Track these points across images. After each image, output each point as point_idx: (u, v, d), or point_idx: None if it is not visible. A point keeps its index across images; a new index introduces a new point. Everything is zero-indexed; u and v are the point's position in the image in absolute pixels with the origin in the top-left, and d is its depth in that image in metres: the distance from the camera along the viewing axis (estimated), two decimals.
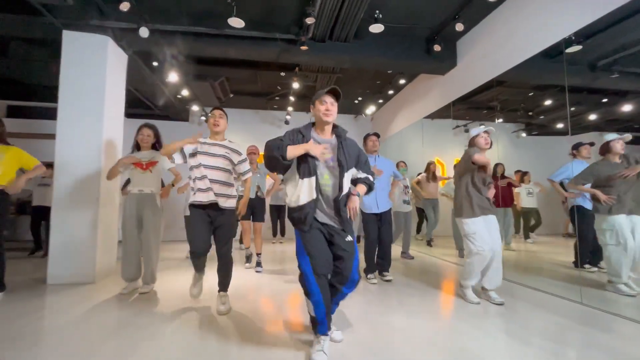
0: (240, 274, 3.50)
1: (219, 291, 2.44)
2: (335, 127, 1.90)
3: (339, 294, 1.83)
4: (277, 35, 3.74)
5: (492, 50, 3.80)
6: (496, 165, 4.74)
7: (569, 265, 3.40)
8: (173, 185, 3.03)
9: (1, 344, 1.79)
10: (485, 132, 2.73)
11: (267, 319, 2.25)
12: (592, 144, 3.27)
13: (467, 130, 5.29)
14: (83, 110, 3.33)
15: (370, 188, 1.95)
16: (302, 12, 3.48)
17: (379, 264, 3.39)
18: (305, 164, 1.76)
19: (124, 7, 2.99)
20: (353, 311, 2.37)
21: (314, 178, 1.76)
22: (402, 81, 5.39)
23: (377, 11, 3.56)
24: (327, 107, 1.80)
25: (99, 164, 3.32)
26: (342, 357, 1.70)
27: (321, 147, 1.75)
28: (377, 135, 3.51)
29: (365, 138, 3.52)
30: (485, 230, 2.58)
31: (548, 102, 4.88)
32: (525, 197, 4.64)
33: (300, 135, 1.82)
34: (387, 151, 6.99)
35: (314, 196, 1.75)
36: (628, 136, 2.87)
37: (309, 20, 3.17)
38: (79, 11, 3.19)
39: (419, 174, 5.40)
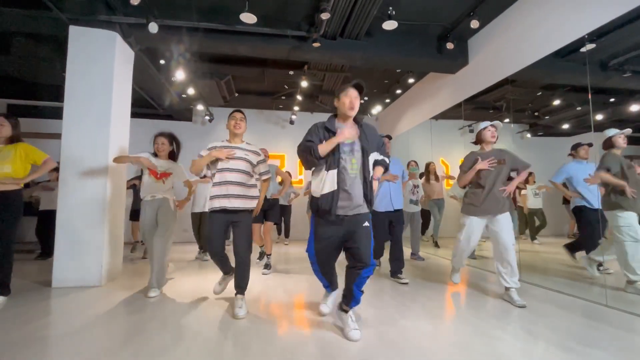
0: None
1: (236, 294, 2.35)
2: (356, 117, 2.06)
3: (359, 278, 1.90)
4: (289, 32, 3.66)
5: (505, 49, 3.75)
6: None
7: (580, 266, 3.33)
8: (188, 199, 3.25)
9: (6, 351, 1.69)
10: (492, 125, 2.82)
11: (283, 320, 2.16)
12: (590, 145, 3.31)
13: (471, 131, 5.25)
14: (90, 109, 3.24)
15: (386, 169, 2.13)
16: (315, 7, 3.41)
17: (394, 265, 3.32)
18: (331, 157, 1.91)
19: (135, 0, 2.90)
20: (375, 313, 2.29)
21: (336, 170, 1.89)
22: (410, 80, 5.33)
23: (391, 8, 3.49)
24: (352, 100, 1.96)
25: (105, 163, 3.22)
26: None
27: (346, 131, 1.88)
28: (389, 137, 3.42)
29: None
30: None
31: (556, 102, 4.83)
32: (532, 197, 4.61)
33: (326, 132, 1.97)
34: (392, 151, 6.93)
35: (335, 187, 1.88)
36: (628, 130, 2.90)
37: (324, 16, 3.09)
38: (86, 6, 3.10)
39: (420, 176, 5.35)
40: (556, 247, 4.30)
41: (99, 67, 3.28)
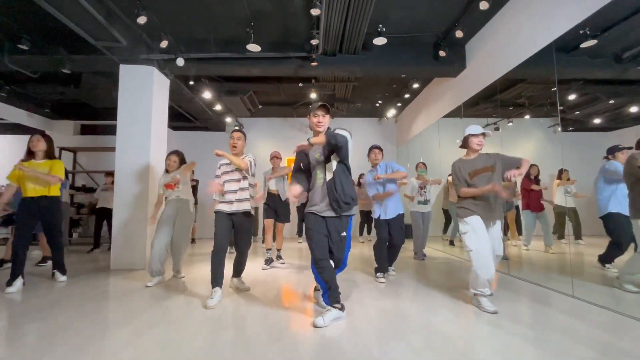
0: (258, 269, 4.01)
1: (232, 277, 2.97)
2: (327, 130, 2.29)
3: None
4: (292, 54, 4.22)
5: (497, 50, 3.91)
6: (530, 166, 4.64)
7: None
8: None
9: (85, 303, 2.45)
10: (482, 134, 2.57)
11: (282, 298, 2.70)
12: (630, 148, 2.99)
13: (497, 129, 5.31)
14: (135, 128, 4.09)
15: (329, 141, 2.12)
16: (312, 32, 3.92)
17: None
18: (307, 169, 2.33)
19: (164, 44, 3.67)
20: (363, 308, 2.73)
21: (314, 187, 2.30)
22: (415, 85, 5.60)
23: (380, 25, 3.89)
24: (319, 119, 2.29)
25: (148, 170, 4.04)
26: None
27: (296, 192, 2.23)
28: (379, 148, 3.66)
29: (369, 151, 3.68)
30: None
31: (573, 97, 4.77)
32: (561, 196, 4.40)
33: (302, 154, 2.38)
34: (409, 153, 7.15)
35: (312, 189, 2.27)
36: None
37: (314, 42, 3.60)
38: (131, 49, 3.94)
39: (449, 175, 5.51)
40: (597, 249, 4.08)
41: (141, 94, 4.13)
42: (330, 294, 2.15)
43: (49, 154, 3.23)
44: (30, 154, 3.17)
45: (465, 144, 2.66)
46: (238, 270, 2.98)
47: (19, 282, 2.96)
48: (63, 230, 5.53)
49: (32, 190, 3.10)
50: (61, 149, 6.59)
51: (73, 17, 3.25)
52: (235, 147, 2.85)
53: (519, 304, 2.54)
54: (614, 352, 1.69)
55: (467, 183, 2.55)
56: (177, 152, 3.52)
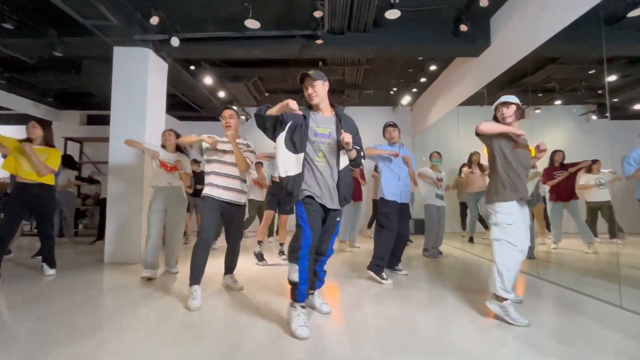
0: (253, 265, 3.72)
1: (225, 274, 2.69)
2: (334, 107, 2.04)
3: (319, 262, 2.07)
4: (295, 32, 3.86)
5: (528, 22, 3.42)
6: (553, 152, 4.24)
7: None
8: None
9: (68, 297, 2.23)
10: (507, 103, 2.15)
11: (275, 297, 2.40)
12: None
13: (523, 117, 4.81)
14: (129, 115, 3.86)
15: (359, 155, 1.99)
16: (315, 3, 3.54)
17: (390, 260, 3.17)
18: (299, 139, 1.88)
19: (154, 20, 3.39)
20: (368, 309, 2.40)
21: (302, 155, 1.88)
22: (432, 67, 5.12)
23: None
24: (309, 91, 1.95)
25: (142, 160, 3.81)
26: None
27: (292, 102, 1.80)
28: (393, 125, 3.31)
29: (384, 129, 3.35)
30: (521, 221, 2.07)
31: (614, 79, 4.19)
32: (595, 189, 4.01)
33: (299, 116, 1.93)
34: (425, 143, 6.68)
35: (300, 170, 1.88)
36: None
37: (317, 14, 3.22)
38: (124, 29, 3.69)
39: (462, 166, 5.06)
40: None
41: (136, 79, 3.88)
42: (309, 286, 1.95)
43: (47, 141, 3.11)
44: (29, 140, 3.04)
45: (496, 115, 2.25)
46: (230, 267, 2.70)
47: None
48: (69, 222, 5.49)
49: (28, 174, 2.95)
50: (67, 139, 6.52)
51: None
52: (229, 126, 2.51)
53: (554, 315, 2.13)
54: None
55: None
56: (171, 130, 3.25)
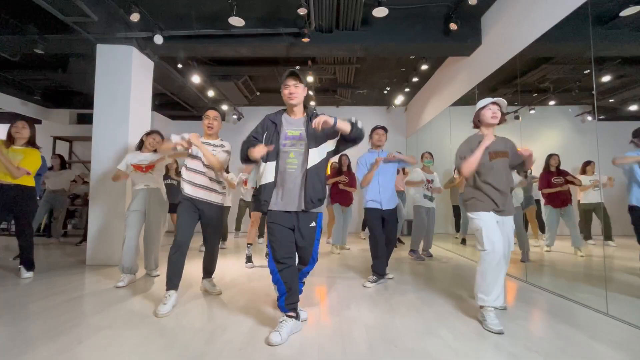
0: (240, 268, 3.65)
1: (203, 278, 2.61)
2: (306, 108, 2.00)
3: (301, 273, 2.00)
4: (282, 29, 3.78)
5: (519, 20, 3.35)
6: (549, 156, 4.18)
7: None
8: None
9: (43, 311, 2.15)
10: (494, 103, 2.17)
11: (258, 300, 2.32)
12: None
13: (517, 117, 4.74)
14: (113, 114, 3.78)
15: (354, 126, 1.83)
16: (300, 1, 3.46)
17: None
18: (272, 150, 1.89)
19: (134, 17, 3.31)
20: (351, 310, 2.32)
21: (274, 163, 1.88)
22: (424, 67, 5.03)
23: None
24: (290, 89, 1.90)
25: (124, 160, 3.72)
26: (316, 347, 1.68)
27: (262, 149, 1.82)
28: (384, 128, 3.22)
29: (372, 131, 3.22)
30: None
31: (608, 79, 4.12)
32: (588, 191, 3.97)
33: (271, 124, 1.95)
34: (419, 143, 6.61)
35: (272, 180, 1.87)
36: None
37: (301, 11, 3.14)
38: (106, 26, 3.61)
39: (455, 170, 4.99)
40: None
41: (119, 77, 3.80)
42: (287, 297, 1.83)
43: (31, 142, 3.05)
44: (9, 140, 2.97)
45: (477, 119, 2.25)
46: (209, 270, 2.61)
47: None
48: (59, 222, 5.41)
49: (3, 176, 2.87)
50: (56, 138, 6.43)
51: None
52: (211, 127, 2.47)
53: (538, 324, 2.06)
54: None
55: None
56: (159, 133, 3.15)
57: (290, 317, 1.81)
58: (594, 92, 3.04)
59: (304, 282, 2.08)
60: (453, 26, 3.66)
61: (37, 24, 3.69)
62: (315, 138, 1.88)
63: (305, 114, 1.98)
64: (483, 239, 2.01)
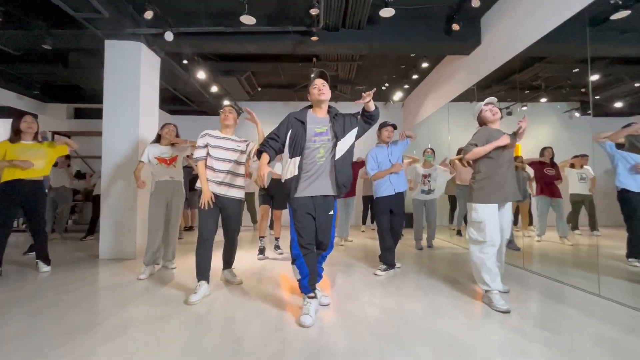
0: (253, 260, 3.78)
1: (223, 269, 2.75)
2: (329, 107, 2.16)
3: (321, 257, 2.18)
4: (290, 28, 3.86)
5: (518, 23, 3.53)
6: (543, 149, 4.40)
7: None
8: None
9: (60, 300, 2.24)
10: (486, 104, 2.47)
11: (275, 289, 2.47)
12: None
13: (509, 113, 4.95)
14: (122, 109, 3.81)
15: (376, 109, 2.10)
16: (311, 1, 3.55)
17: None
18: (296, 145, 2.03)
19: (148, 15, 3.34)
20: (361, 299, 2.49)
21: (299, 158, 2.02)
22: (424, 65, 5.19)
23: None
24: (319, 87, 2.07)
25: (136, 155, 3.78)
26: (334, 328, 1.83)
27: (265, 170, 1.98)
28: (393, 125, 3.41)
29: (381, 127, 3.41)
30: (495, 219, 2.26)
31: (596, 78, 4.35)
32: (576, 182, 4.21)
33: (298, 123, 2.07)
34: (417, 139, 6.79)
35: (296, 173, 2.01)
36: None
37: (314, 12, 3.24)
38: (115, 22, 3.62)
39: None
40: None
41: (128, 73, 3.83)
42: (310, 278, 2.02)
43: (36, 136, 3.14)
44: (16, 135, 3.02)
45: (481, 121, 2.54)
46: (228, 261, 2.74)
47: None
48: (63, 217, 5.42)
49: (21, 172, 2.93)
50: (54, 133, 6.36)
51: None
52: (227, 118, 2.61)
53: (538, 304, 2.27)
54: None
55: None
56: (174, 124, 3.21)
57: (312, 297, 2.00)
58: (587, 90, 3.25)
59: (323, 268, 2.24)
60: (455, 27, 3.82)
61: (45, 19, 3.67)
62: (341, 132, 2.06)
63: (328, 113, 2.14)
64: (485, 232, 2.21)
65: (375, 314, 2.03)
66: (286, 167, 2.07)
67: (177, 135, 3.21)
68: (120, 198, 3.78)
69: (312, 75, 2.10)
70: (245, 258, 3.73)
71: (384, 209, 3.17)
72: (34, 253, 3.74)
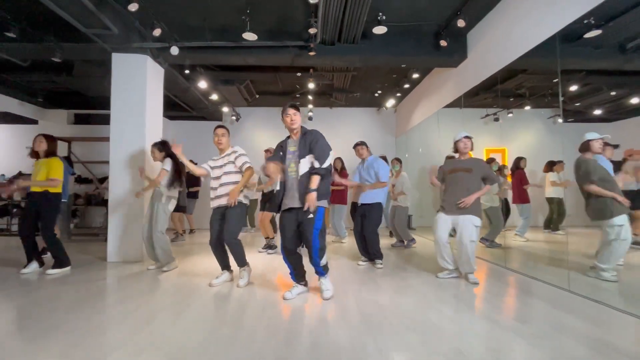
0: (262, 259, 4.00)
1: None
2: (302, 129, 2.58)
3: (312, 259, 2.50)
4: (289, 43, 4.11)
5: (500, 41, 3.82)
6: (518, 159, 4.70)
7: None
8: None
9: (70, 305, 2.44)
10: (467, 137, 3.11)
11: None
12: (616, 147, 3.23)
13: (497, 119, 5.26)
14: (129, 117, 4.01)
15: (321, 176, 2.39)
16: (309, 21, 3.81)
17: (367, 255, 3.70)
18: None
19: (157, 32, 3.55)
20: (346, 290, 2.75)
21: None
22: (415, 75, 5.49)
23: (380, 13, 3.77)
24: (291, 118, 2.51)
25: (143, 161, 3.98)
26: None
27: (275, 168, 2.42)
28: (362, 143, 3.80)
29: (354, 148, 3.85)
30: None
31: (575, 88, 4.69)
32: (552, 186, 4.48)
33: (280, 147, 2.63)
34: (408, 143, 7.10)
35: (279, 187, 2.54)
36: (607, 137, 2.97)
37: (312, 31, 3.49)
38: (123, 37, 3.81)
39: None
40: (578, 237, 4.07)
41: (134, 84, 4.03)
42: (295, 274, 2.61)
43: (49, 153, 3.42)
44: (34, 153, 3.42)
45: (455, 147, 3.20)
46: (238, 260, 2.93)
47: (33, 265, 3.35)
48: (66, 221, 5.55)
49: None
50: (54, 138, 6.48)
51: (62, 3, 3.12)
52: (220, 143, 2.96)
53: (513, 298, 2.55)
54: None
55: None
56: (156, 144, 3.55)
57: (301, 284, 2.61)
58: (562, 99, 3.59)
59: (325, 268, 2.57)
60: (443, 43, 4.11)
61: (55, 34, 3.85)
62: (303, 152, 2.46)
63: (299, 134, 2.56)
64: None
65: (367, 309, 2.29)
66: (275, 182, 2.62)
67: (166, 147, 3.53)
68: (127, 203, 3.97)
69: (286, 106, 2.53)
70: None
71: (358, 213, 3.73)
72: (47, 254, 3.87)
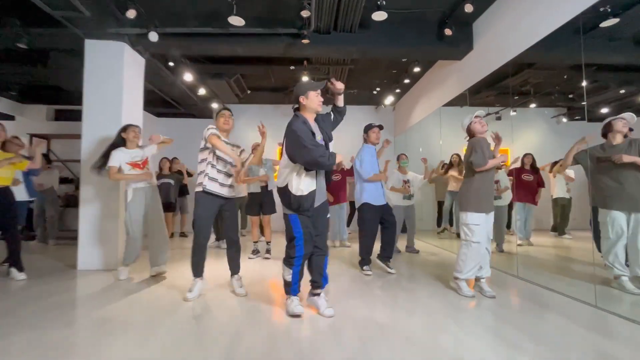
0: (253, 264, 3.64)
1: (232, 275, 2.67)
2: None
3: (324, 262, 2.26)
4: (280, 30, 3.77)
5: (509, 29, 3.51)
6: (524, 155, 4.44)
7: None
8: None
9: (30, 317, 2.07)
10: (476, 116, 2.73)
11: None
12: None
13: (499, 118, 4.98)
14: (104, 112, 3.64)
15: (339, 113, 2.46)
16: (302, 2, 3.47)
17: (384, 250, 3.37)
18: None
19: (131, 14, 3.20)
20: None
21: (314, 171, 2.11)
22: (416, 69, 5.17)
23: None
24: (320, 99, 2.24)
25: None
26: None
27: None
28: (380, 127, 3.45)
29: (368, 129, 3.46)
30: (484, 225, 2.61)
31: (584, 84, 4.38)
32: (561, 187, 4.21)
33: (307, 127, 2.14)
34: (408, 143, 6.77)
35: (314, 187, 2.08)
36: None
37: (305, 13, 3.16)
38: (97, 21, 3.46)
39: (441, 163, 5.16)
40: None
41: (110, 74, 3.66)
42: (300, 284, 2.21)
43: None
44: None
45: (471, 132, 2.76)
46: (237, 266, 2.67)
47: None
48: (54, 223, 5.17)
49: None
50: (32, 135, 6.09)
51: None
52: (228, 124, 2.67)
53: (518, 307, 2.22)
54: None
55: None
56: (137, 125, 3.18)
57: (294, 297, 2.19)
58: (576, 96, 3.25)
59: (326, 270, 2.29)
60: (448, 32, 3.79)
61: (20, 17, 3.48)
62: (328, 138, 2.32)
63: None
64: (474, 234, 2.53)
65: (364, 323, 1.94)
66: (301, 179, 2.06)
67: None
68: (101, 206, 3.59)
69: (316, 84, 2.22)
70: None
71: (375, 214, 3.31)
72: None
